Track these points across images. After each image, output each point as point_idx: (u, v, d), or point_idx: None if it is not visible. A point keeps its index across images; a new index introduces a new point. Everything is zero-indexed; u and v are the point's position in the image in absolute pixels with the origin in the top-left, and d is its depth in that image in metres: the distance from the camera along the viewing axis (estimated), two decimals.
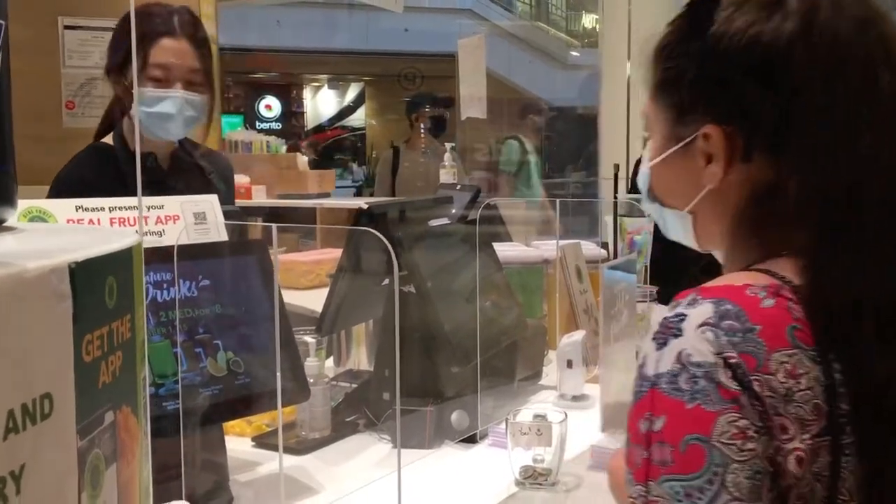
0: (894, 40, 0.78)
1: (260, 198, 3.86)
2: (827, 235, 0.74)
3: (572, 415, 1.35)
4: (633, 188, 3.61)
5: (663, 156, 0.86)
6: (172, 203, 1.20)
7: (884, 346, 0.72)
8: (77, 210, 1.09)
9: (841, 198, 0.74)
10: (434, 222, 1.63)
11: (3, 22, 0.65)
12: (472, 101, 3.04)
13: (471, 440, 1.48)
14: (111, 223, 1.12)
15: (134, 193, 1.40)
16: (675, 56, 0.84)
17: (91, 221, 1.10)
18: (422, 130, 4.54)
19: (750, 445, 0.67)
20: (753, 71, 0.77)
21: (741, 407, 0.68)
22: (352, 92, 17.30)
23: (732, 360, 0.69)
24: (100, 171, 1.66)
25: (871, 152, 0.74)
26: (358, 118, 17.31)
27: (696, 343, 0.70)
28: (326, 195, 4.17)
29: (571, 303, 1.90)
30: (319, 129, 16.85)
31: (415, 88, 16.12)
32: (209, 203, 1.24)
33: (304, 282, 2.67)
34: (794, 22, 0.76)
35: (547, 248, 2.20)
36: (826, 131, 0.75)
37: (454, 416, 1.47)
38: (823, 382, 0.70)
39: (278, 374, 0.90)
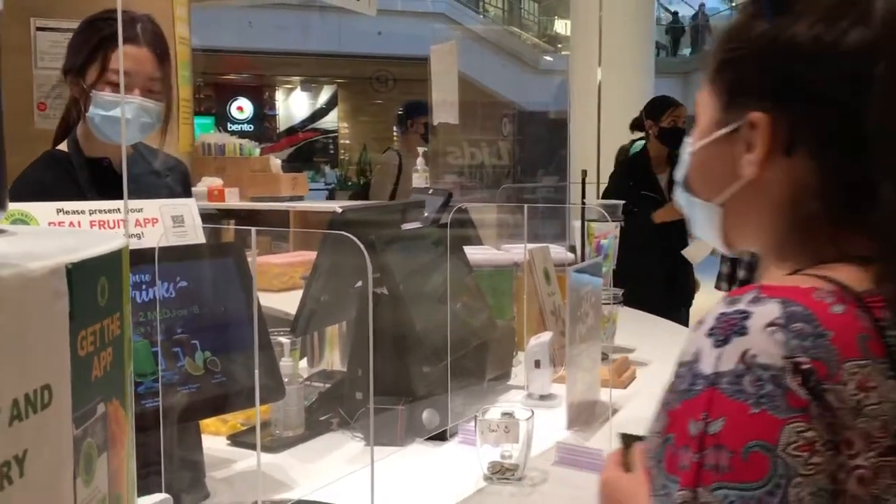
0: None
1: (233, 200, 3.87)
2: None
3: (539, 413, 1.40)
4: (605, 194, 3.68)
5: (705, 141, 0.82)
6: (151, 206, 1.23)
7: None
8: (58, 213, 1.12)
9: None
10: (407, 226, 1.67)
11: None
12: (444, 106, 3.08)
13: (441, 437, 1.53)
14: (91, 226, 1.14)
15: (89, 198, 1.43)
16: (739, 38, 0.80)
17: (72, 224, 1.13)
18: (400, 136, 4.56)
19: (816, 459, 0.62)
20: (817, 65, 0.74)
21: (810, 417, 0.63)
22: (324, 94, 17.29)
23: (804, 366, 0.64)
24: (55, 177, 1.68)
25: None
26: (330, 120, 17.31)
27: (764, 344, 0.65)
28: (300, 198, 4.19)
29: (539, 305, 1.95)
30: (292, 130, 16.81)
31: (387, 91, 16.15)
32: (187, 207, 1.27)
33: (277, 284, 2.70)
34: (871, 29, 0.73)
35: (517, 251, 2.26)
36: None
37: (425, 415, 1.52)
38: (893, 399, 0.65)
39: (256, 372, 0.94)
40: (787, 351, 0.64)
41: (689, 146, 0.86)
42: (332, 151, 17.05)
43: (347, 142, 17.26)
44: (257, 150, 4.56)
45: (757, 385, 0.64)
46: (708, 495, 0.64)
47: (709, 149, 0.82)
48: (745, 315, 0.67)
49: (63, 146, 1.75)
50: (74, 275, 0.54)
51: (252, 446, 1.46)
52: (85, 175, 1.68)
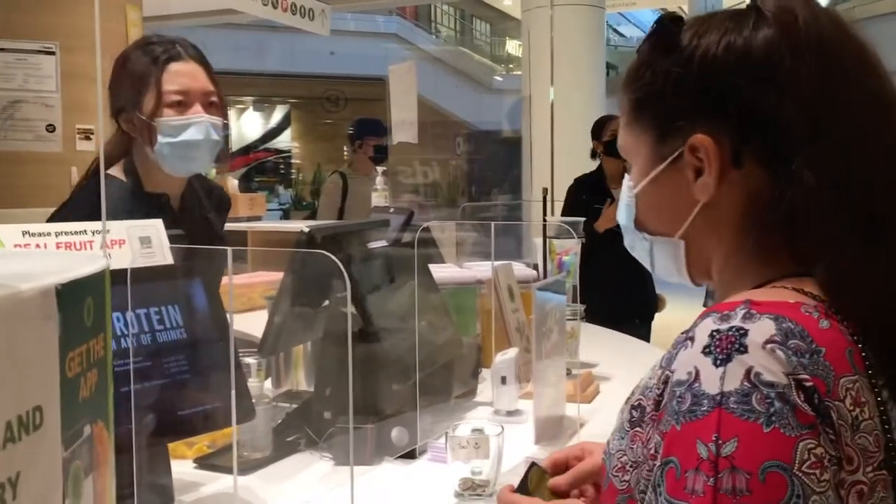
0: (867, 45, 0.78)
1: None
2: (854, 246, 0.70)
3: (507, 429, 1.41)
4: (562, 211, 3.74)
5: (648, 178, 0.83)
6: (118, 227, 1.22)
7: None
8: (24, 235, 1.10)
9: (859, 199, 0.71)
10: (373, 244, 1.68)
11: None
12: (403, 125, 3.10)
13: (410, 455, 1.52)
14: (57, 247, 1.13)
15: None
16: (648, 75, 0.82)
17: (37, 246, 1.11)
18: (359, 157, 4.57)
19: (826, 476, 0.63)
20: (735, 75, 0.76)
21: (818, 434, 0.63)
22: (277, 114, 17.22)
23: (807, 384, 0.64)
24: (113, 207, 1.56)
25: (878, 150, 0.73)
26: (283, 140, 17.23)
27: (766, 361, 0.64)
28: (258, 218, 4.17)
29: (504, 322, 1.97)
30: (244, 150, 16.68)
31: (338, 111, 16.14)
32: (154, 228, 1.26)
33: (237, 305, 2.68)
34: (771, 28, 0.76)
35: (479, 269, 2.27)
36: (833, 130, 0.72)
37: (394, 433, 1.51)
38: (878, 412, 0.67)
39: (233, 393, 0.93)
40: (790, 368, 0.64)
41: (630, 189, 0.86)
42: (283, 171, 16.95)
43: (300, 161, 17.19)
44: (213, 171, 4.52)
45: (766, 403, 0.63)
46: None
47: (655, 186, 0.83)
48: (743, 332, 0.65)
49: (118, 172, 1.63)
50: (63, 296, 0.54)
51: (219, 468, 1.45)
52: (143, 210, 1.57)
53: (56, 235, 1.14)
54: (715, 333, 0.67)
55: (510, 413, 1.75)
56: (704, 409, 0.65)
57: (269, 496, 1.34)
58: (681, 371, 0.68)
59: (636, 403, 0.80)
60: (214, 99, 1.61)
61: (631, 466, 0.79)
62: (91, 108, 3.56)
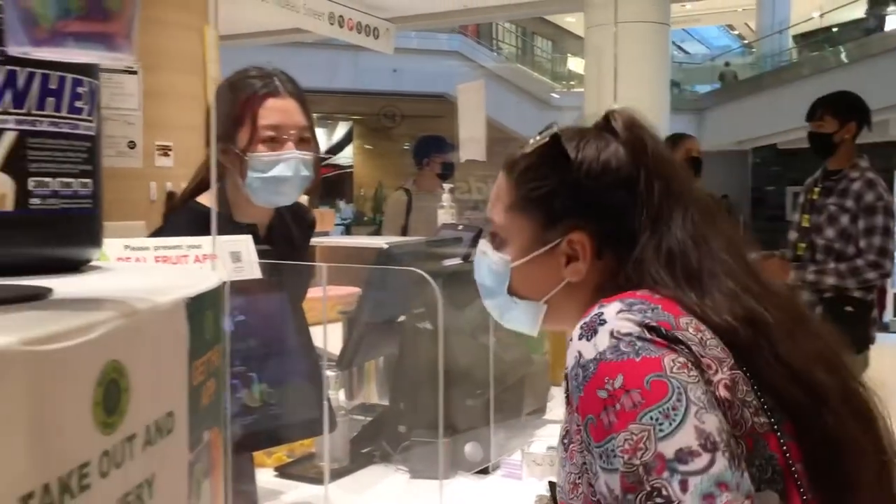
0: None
1: None
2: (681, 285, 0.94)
3: None
4: None
5: (529, 257, 1.03)
6: (209, 242, 1.27)
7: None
8: (125, 249, 1.16)
9: (679, 265, 0.95)
10: (448, 262, 1.71)
11: (97, 82, 0.73)
12: (471, 143, 3.13)
13: (483, 471, 1.54)
14: (155, 261, 1.18)
15: None
16: (539, 178, 1.02)
17: (137, 259, 1.17)
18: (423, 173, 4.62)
19: (694, 373, 0.83)
20: (609, 187, 0.99)
21: (675, 350, 0.84)
22: (340, 130, 17.47)
23: (652, 325, 0.86)
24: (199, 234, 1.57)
25: (697, 236, 0.97)
26: (346, 156, 17.47)
27: (622, 322, 0.86)
28: (325, 233, 4.24)
29: None
30: None
31: (394, 126, 16.29)
32: (244, 243, 1.31)
33: (310, 318, 2.73)
34: (626, 149, 1.00)
35: None
36: (670, 225, 0.97)
37: (468, 448, 1.53)
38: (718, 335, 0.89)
39: (325, 403, 0.97)
40: (638, 321, 0.86)
41: (507, 262, 1.05)
42: (343, 186, 17.17)
43: (360, 177, 17.39)
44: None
45: (630, 345, 0.84)
46: (638, 426, 0.80)
47: (530, 263, 1.03)
48: (600, 313, 0.88)
49: (206, 200, 1.64)
50: (191, 308, 0.58)
51: (299, 477, 1.49)
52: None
53: (154, 250, 1.19)
54: (583, 325, 0.88)
55: None
56: (591, 369, 0.84)
57: None
58: (570, 360, 0.88)
59: (564, 433, 0.95)
60: (307, 134, 1.63)
61: (578, 478, 0.90)
62: (169, 125, 3.68)
